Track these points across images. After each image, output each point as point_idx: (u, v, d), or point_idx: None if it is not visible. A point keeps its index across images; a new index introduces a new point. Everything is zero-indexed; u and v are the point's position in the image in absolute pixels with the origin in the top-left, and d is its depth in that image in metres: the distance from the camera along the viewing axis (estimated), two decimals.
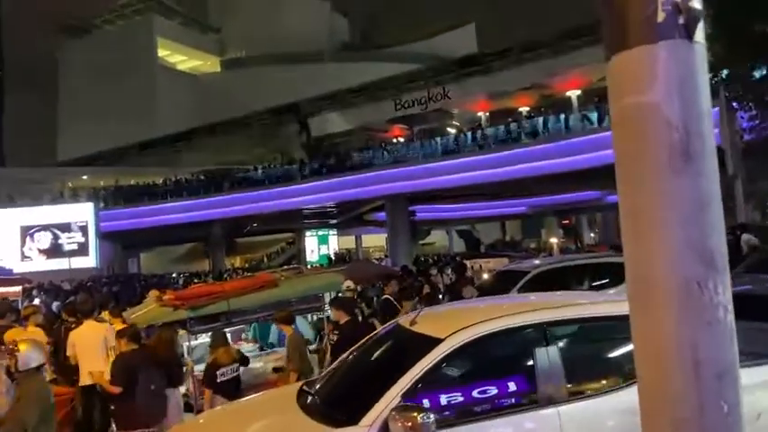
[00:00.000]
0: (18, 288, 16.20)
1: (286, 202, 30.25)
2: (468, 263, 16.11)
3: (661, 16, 1.17)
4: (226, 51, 63.69)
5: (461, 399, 3.54)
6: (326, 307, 8.07)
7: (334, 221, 36.60)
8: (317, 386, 4.19)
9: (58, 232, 30.29)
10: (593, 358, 3.93)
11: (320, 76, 45.85)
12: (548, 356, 3.59)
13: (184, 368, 6.61)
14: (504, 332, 3.72)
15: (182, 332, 6.96)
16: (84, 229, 30.27)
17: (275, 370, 7.29)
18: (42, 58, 65.77)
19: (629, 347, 3.88)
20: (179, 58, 64.74)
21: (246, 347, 8.05)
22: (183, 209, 31.94)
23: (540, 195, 31.71)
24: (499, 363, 3.93)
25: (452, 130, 32.15)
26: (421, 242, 38.49)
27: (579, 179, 23.36)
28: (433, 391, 3.49)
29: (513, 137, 25.18)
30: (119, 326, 7.46)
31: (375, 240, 42.64)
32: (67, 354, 7.06)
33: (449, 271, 14.60)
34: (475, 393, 3.54)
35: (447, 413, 3.45)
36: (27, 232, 29.98)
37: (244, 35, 59.68)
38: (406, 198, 27.99)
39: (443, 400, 3.50)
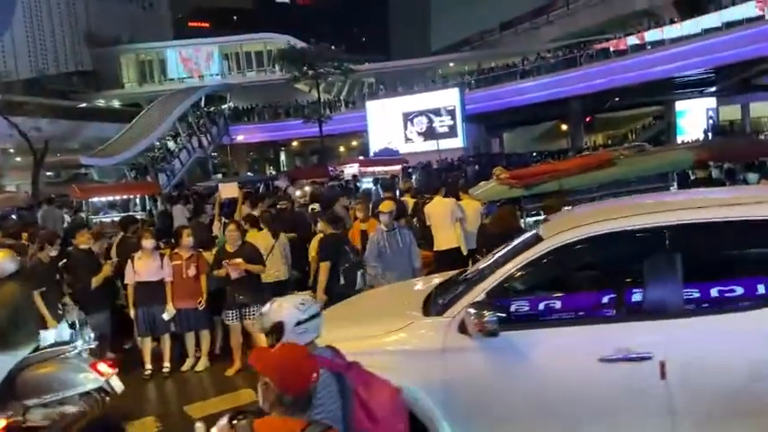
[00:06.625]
0: (398, 167, 19.30)
1: (652, 71, 27.36)
2: None
3: None
4: None
5: (549, 302, 3.35)
6: (673, 187, 7.37)
7: (713, 89, 31.71)
8: (451, 278, 4.32)
9: (432, 116, 33.96)
10: (724, 271, 3.28)
11: None
12: (664, 265, 3.07)
13: None
14: (613, 235, 3.25)
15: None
16: (452, 113, 33.20)
17: None
18: None
19: None
20: None
21: None
22: (540, 87, 31.92)
23: None
24: (604, 268, 3.56)
25: None
26: None
27: None
28: (522, 293, 3.39)
29: None
30: (465, 201, 8.32)
31: None
32: (426, 223, 8.23)
33: None
34: (566, 298, 3.31)
35: (528, 315, 3.37)
36: (408, 117, 34.47)
37: None
38: None
39: (528, 302, 3.40)
